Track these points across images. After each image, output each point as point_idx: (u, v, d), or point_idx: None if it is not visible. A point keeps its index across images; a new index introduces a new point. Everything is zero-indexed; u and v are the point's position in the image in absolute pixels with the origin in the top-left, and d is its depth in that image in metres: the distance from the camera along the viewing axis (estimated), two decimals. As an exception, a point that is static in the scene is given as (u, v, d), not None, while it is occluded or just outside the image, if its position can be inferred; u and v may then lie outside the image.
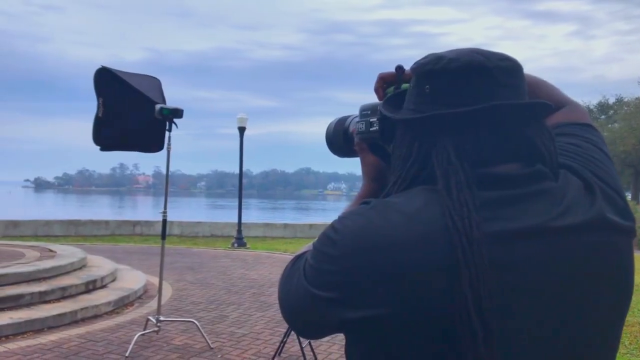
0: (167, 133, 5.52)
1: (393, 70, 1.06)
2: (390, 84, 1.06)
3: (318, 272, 0.83)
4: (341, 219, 0.85)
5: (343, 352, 5.26)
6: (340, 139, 1.18)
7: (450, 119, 0.84)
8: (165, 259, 6.07)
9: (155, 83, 5.93)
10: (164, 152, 5.77)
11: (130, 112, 5.55)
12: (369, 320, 0.78)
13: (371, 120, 1.04)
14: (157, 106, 5.37)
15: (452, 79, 0.85)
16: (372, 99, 1.08)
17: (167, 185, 5.83)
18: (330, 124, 1.22)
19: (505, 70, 0.86)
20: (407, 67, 1.02)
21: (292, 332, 5.12)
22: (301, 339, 5.07)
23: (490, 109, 0.82)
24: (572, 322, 0.82)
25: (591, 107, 41.64)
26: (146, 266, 9.81)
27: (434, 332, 0.77)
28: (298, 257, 0.92)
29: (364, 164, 1.08)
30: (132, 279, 8.13)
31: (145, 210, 59.93)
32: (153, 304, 7.07)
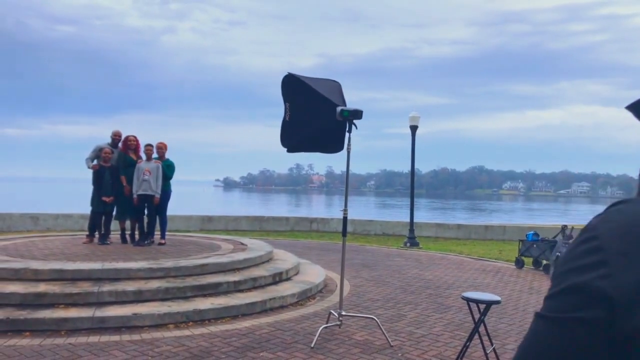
0: (347, 134, 5.70)
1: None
2: None
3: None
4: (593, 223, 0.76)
5: None
6: None
7: None
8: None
9: (336, 86, 6.16)
10: (336, 152, 5.99)
11: (314, 115, 5.84)
12: None
13: None
14: (338, 108, 5.57)
15: None
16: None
17: (347, 184, 6.00)
18: None
19: None
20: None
21: (475, 337, 4.93)
22: (485, 344, 4.86)
23: None
24: None
25: None
26: (324, 261, 10.27)
27: None
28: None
29: None
30: (313, 273, 8.56)
31: (320, 207, 62.87)
32: (333, 298, 7.36)
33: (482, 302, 4.86)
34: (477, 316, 4.91)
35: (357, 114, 5.60)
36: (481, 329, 4.96)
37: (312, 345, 5.24)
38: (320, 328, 5.55)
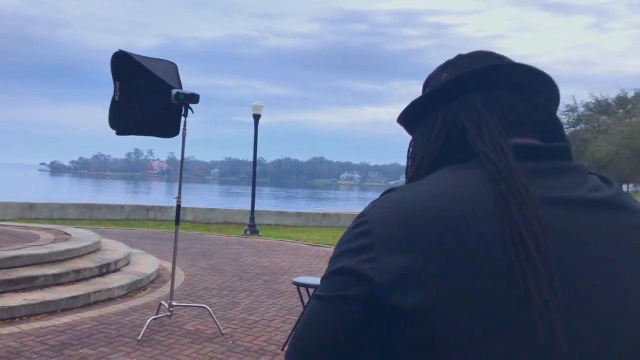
0: (182, 118, 5.50)
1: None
2: None
3: None
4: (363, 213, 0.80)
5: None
6: None
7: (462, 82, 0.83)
8: (179, 244, 6.08)
9: (172, 67, 5.89)
10: (178, 138, 5.74)
11: (146, 96, 5.53)
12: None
13: None
14: (173, 91, 5.34)
15: (467, 61, 0.88)
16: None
17: (181, 171, 5.81)
18: None
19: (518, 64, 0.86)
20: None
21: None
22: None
23: (497, 69, 0.83)
24: (622, 292, 0.72)
25: (609, 101, 40.92)
26: (159, 251, 9.87)
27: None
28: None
29: None
30: (145, 264, 8.17)
31: (159, 195, 60.35)
32: (166, 288, 7.09)
33: (311, 286, 5.03)
34: (306, 300, 5.08)
35: (194, 98, 5.42)
36: (310, 312, 5.15)
37: (139, 338, 4.99)
38: (149, 320, 5.31)
